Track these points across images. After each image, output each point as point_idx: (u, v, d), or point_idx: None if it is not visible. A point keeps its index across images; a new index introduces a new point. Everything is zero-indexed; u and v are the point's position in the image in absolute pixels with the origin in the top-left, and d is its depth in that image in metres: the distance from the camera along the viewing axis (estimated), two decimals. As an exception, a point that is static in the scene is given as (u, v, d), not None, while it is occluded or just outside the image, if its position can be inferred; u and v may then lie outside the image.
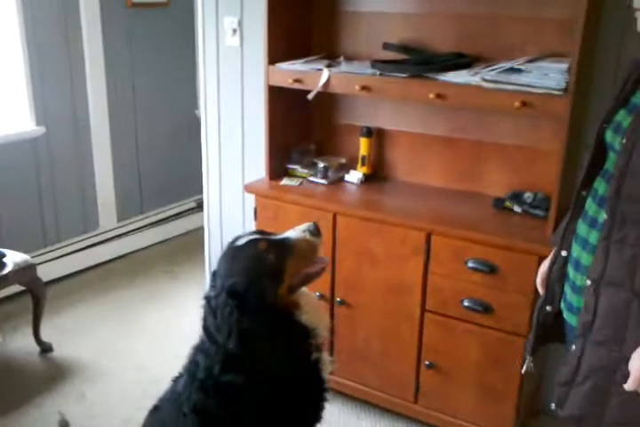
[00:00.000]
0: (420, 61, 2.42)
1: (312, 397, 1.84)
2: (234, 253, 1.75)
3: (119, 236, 4.23)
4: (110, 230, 4.18)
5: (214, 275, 1.77)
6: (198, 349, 1.81)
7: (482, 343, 2.37)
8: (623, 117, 1.59)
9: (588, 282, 1.60)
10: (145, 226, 4.40)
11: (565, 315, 1.77)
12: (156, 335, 3.37)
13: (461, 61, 2.36)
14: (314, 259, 1.79)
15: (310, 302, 1.82)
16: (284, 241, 1.75)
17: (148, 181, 4.39)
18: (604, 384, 1.59)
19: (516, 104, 2.10)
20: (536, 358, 2.34)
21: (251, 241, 1.74)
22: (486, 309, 2.30)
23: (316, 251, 1.79)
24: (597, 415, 1.61)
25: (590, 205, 1.66)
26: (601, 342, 1.59)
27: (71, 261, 3.93)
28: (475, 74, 2.22)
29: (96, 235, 4.10)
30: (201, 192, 4.56)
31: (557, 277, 1.80)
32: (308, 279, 1.78)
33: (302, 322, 1.74)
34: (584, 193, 1.70)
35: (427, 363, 2.50)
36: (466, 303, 2.34)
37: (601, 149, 1.66)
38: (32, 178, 3.69)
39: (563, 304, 1.78)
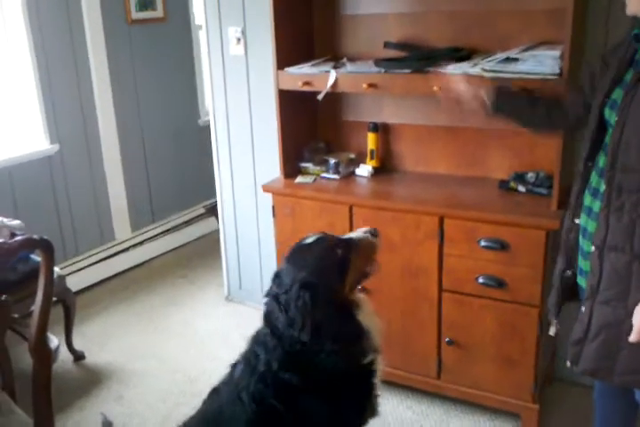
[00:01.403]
0: (420, 57, 2.58)
1: (361, 399, 1.94)
2: (304, 249, 1.87)
3: (134, 245, 4.36)
4: (126, 241, 4.32)
5: (278, 275, 1.88)
6: (256, 340, 1.92)
7: (498, 316, 2.51)
8: (618, 95, 1.75)
9: (593, 248, 1.76)
10: (158, 234, 4.53)
11: (577, 278, 1.94)
12: (181, 338, 3.49)
13: (459, 54, 2.52)
14: (372, 258, 1.92)
15: (367, 306, 1.93)
16: (350, 240, 1.88)
17: (157, 191, 4.54)
18: (613, 339, 1.75)
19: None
20: (548, 328, 2.50)
21: (320, 238, 1.87)
22: (500, 284, 2.44)
23: (376, 250, 1.93)
24: (609, 368, 1.78)
25: (593, 177, 1.82)
26: (606, 302, 1.75)
27: (91, 272, 4.05)
28: (474, 65, 2.38)
29: (113, 246, 4.23)
30: (209, 198, 4.73)
31: (575, 243, 1.94)
32: (363, 277, 1.91)
33: (361, 321, 1.85)
34: (590, 164, 1.85)
35: (447, 340, 2.63)
36: (480, 280, 2.47)
37: (602, 125, 1.81)
38: (49, 194, 3.83)
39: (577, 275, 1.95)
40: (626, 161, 1.66)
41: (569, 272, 1.99)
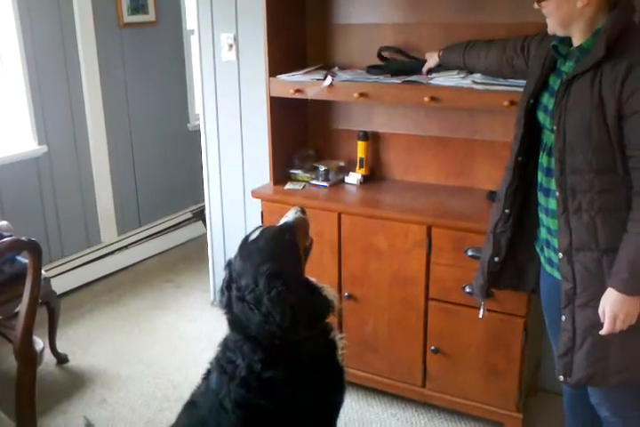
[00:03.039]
0: (397, 69, 2.62)
1: (336, 375, 1.97)
2: (254, 244, 1.89)
3: (120, 249, 4.34)
4: (112, 244, 4.30)
5: (230, 277, 1.88)
6: (228, 347, 1.90)
7: (484, 326, 2.52)
8: (547, 100, 1.88)
9: (560, 255, 1.83)
10: (144, 238, 4.52)
11: (549, 269, 2.02)
12: (165, 342, 3.48)
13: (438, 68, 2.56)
14: (308, 233, 2.02)
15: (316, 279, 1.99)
16: (289, 223, 1.97)
17: (144, 195, 4.53)
18: (601, 340, 1.79)
19: (505, 103, 2.30)
20: (533, 338, 2.53)
21: (263, 230, 1.93)
22: (487, 293, 2.47)
23: (309, 226, 2.03)
24: (603, 370, 1.82)
25: (541, 177, 1.93)
26: (586, 304, 1.80)
27: (76, 275, 4.03)
28: (465, 77, 2.42)
29: (98, 249, 4.22)
30: (196, 203, 4.73)
31: (502, 231, 2.11)
32: (307, 253, 1.99)
33: (325, 293, 1.91)
34: (520, 158, 2.01)
35: (432, 348, 2.65)
36: (467, 289, 2.49)
37: (531, 123, 1.95)
38: (35, 195, 3.81)
39: (548, 267, 2.01)
40: (574, 164, 1.76)
41: (496, 259, 2.14)
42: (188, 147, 4.65)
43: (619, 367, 1.80)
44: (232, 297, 1.85)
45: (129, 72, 4.26)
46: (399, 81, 2.53)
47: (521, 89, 2.07)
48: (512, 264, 2.17)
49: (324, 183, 2.90)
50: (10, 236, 2.75)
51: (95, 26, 3.92)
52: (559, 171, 1.78)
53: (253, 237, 1.91)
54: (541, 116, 1.90)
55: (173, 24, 4.53)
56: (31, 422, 2.11)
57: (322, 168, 2.91)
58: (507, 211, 2.08)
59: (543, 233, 1.99)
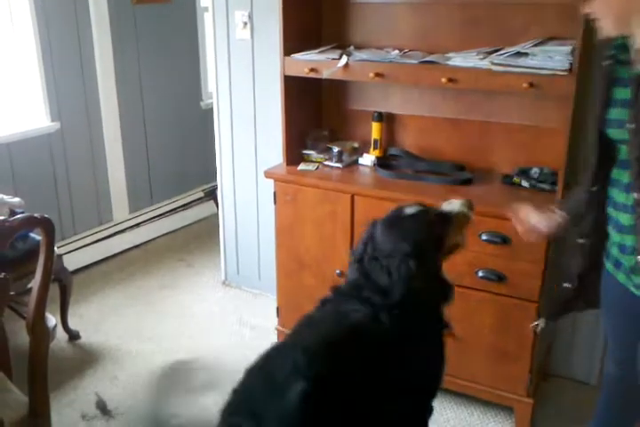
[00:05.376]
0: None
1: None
2: (404, 220, 1.86)
3: (132, 227, 4.35)
4: (123, 222, 4.30)
5: (372, 238, 1.85)
6: (354, 286, 1.84)
7: (496, 310, 2.51)
8: (619, 113, 1.73)
9: None
10: (156, 217, 4.52)
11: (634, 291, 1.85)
12: (176, 321, 3.50)
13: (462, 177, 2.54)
14: (465, 231, 1.95)
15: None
16: (448, 215, 1.91)
17: (156, 173, 4.52)
18: None
19: (524, 85, 2.25)
20: (546, 325, 2.51)
21: (420, 211, 1.88)
22: (500, 278, 2.45)
23: (468, 224, 1.96)
24: None
25: (619, 195, 1.79)
26: None
27: (88, 252, 4.04)
28: (483, 58, 2.37)
29: (110, 227, 4.22)
30: (208, 182, 4.72)
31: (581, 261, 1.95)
32: (452, 251, 1.94)
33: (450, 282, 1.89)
34: (593, 189, 1.85)
35: (443, 332, 2.66)
36: (480, 274, 2.48)
37: (604, 150, 1.81)
38: (48, 172, 3.81)
39: (625, 279, 1.87)
40: None
41: (566, 284, 2.02)
42: (200, 125, 4.63)
43: None
44: (367, 252, 1.84)
45: (142, 49, 4.22)
46: (416, 61, 2.50)
47: (539, 71, 2.04)
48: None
49: (338, 164, 2.88)
50: (23, 213, 2.77)
51: (108, 2, 3.88)
52: (637, 168, 1.66)
53: (409, 212, 1.87)
54: (616, 132, 1.75)
55: (187, 1, 4.48)
56: (43, 398, 2.12)
57: (335, 149, 2.88)
58: (580, 241, 1.94)
59: (617, 252, 1.86)
